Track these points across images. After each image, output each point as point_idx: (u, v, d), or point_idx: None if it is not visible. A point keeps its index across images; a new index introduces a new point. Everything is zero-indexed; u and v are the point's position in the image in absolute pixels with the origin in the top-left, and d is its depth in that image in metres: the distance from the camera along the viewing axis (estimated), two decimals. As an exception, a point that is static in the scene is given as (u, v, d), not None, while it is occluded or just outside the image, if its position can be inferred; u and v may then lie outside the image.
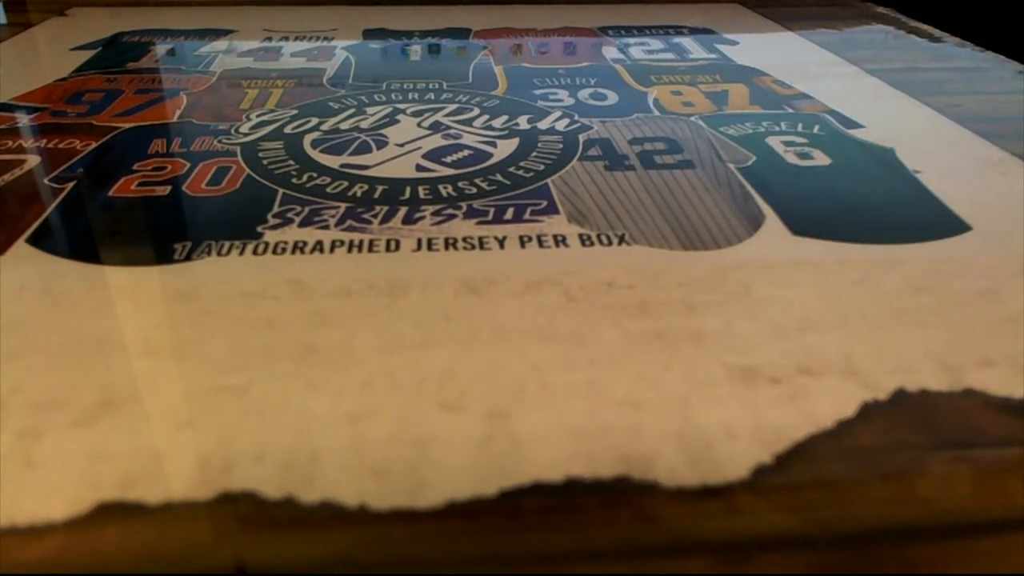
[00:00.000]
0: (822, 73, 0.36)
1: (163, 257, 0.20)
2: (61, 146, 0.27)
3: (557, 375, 0.16)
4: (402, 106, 0.31)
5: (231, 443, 0.14)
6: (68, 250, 0.20)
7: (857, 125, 0.29)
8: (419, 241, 0.21)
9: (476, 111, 0.30)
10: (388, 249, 0.20)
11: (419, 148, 0.27)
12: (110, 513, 0.13)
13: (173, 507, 0.13)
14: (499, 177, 0.25)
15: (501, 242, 0.21)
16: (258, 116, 0.30)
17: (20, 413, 0.15)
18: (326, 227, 0.21)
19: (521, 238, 0.21)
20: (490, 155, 0.26)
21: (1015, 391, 0.16)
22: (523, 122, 0.29)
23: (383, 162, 0.26)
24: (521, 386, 0.16)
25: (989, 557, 0.12)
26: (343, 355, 0.16)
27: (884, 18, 0.47)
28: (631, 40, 0.42)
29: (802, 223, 0.22)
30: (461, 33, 0.44)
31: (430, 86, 0.34)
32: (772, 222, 0.22)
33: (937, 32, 0.44)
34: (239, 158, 0.26)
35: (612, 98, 0.32)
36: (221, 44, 0.41)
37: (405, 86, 0.34)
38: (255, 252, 0.20)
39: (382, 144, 0.27)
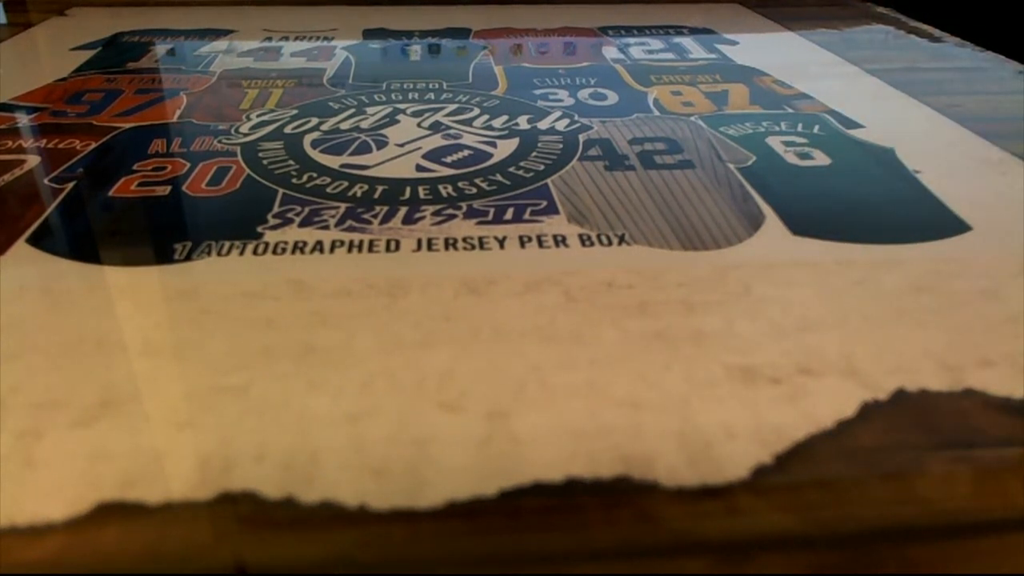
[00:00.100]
0: (822, 73, 0.36)
1: (163, 257, 0.20)
2: (61, 146, 0.27)
3: (557, 375, 0.16)
4: (402, 106, 0.31)
5: (231, 443, 0.14)
6: (68, 250, 0.20)
7: (857, 125, 0.29)
8: (419, 241, 0.21)
9: (476, 111, 0.30)
10: (388, 249, 0.20)
11: (419, 148, 0.27)
12: (110, 513, 0.13)
13: (173, 507, 0.13)
14: (499, 177, 0.25)
15: (501, 242, 0.21)
16: (258, 116, 0.30)
17: (20, 413, 0.15)
18: (326, 227, 0.21)
19: (521, 238, 0.21)
20: (490, 155, 0.26)
21: (1015, 391, 0.16)
22: (523, 122, 0.29)
23: (383, 162, 0.26)
24: (521, 386, 0.16)
25: (989, 557, 0.12)
26: (343, 355, 0.16)
27: (884, 18, 0.47)
28: (631, 40, 0.42)
29: (802, 223, 0.22)
30: (461, 33, 0.44)
31: (430, 86, 0.34)
32: (772, 222, 0.22)
33: (937, 32, 0.44)
34: (239, 158, 0.26)
35: (612, 98, 0.32)
36: (221, 44, 0.41)
37: (405, 86, 0.34)
38: (255, 252, 0.20)
39: (382, 144, 0.27)
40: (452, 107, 0.31)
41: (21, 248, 0.20)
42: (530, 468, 0.14)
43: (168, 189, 0.24)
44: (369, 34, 0.43)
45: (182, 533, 0.12)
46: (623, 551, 0.12)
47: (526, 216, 0.22)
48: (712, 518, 0.13)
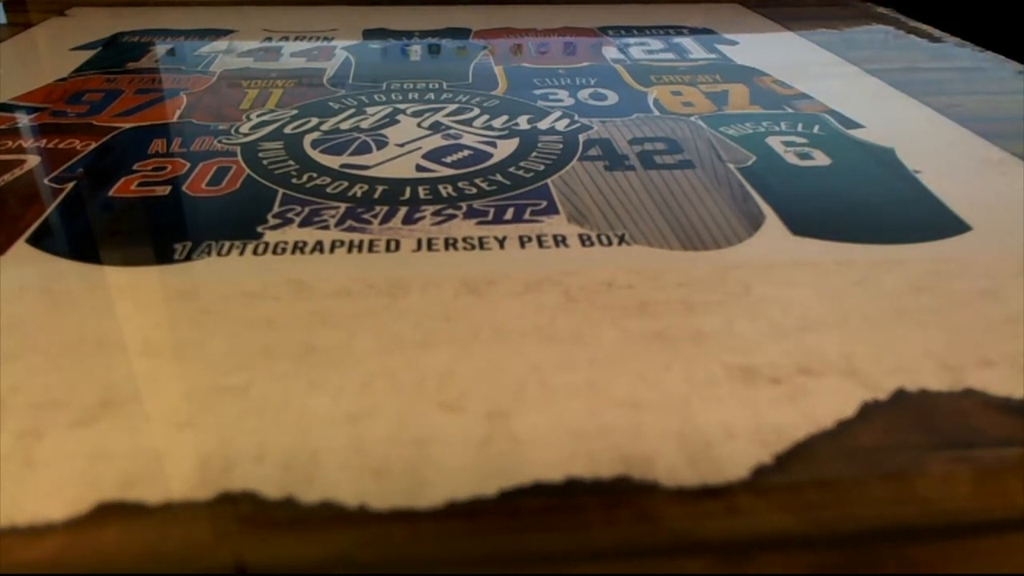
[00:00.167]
0: (822, 73, 0.36)
1: (163, 257, 0.20)
2: (61, 146, 0.27)
3: (557, 375, 0.16)
4: (402, 106, 0.31)
5: (231, 443, 0.14)
6: (68, 250, 0.20)
7: (857, 125, 0.29)
8: (419, 241, 0.21)
9: (476, 111, 0.30)
10: (388, 249, 0.20)
11: (419, 148, 0.27)
12: (110, 513, 0.13)
13: (173, 507, 0.13)
14: (499, 177, 0.25)
15: (501, 242, 0.21)
16: (258, 116, 0.30)
17: (20, 413, 0.15)
18: (326, 227, 0.21)
19: (521, 238, 0.21)
20: (490, 155, 0.26)
21: (1015, 391, 0.16)
22: (523, 122, 0.29)
23: (383, 162, 0.26)
24: (521, 386, 0.16)
25: (989, 557, 0.12)
26: (343, 355, 0.16)
27: (884, 18, 0.47)
28: (631, 40, 0.42)
29: (802, 223, 0.22)
30: (461, 33, 0.44)
31: (430, 86, 0.34)
32: (772, 222, 0.22)
33: (937, 32, 0.44)
34: (239, 158, 0.26)
35: (612, 98, 0.32)
36: (221, 44, 0.41)
37: (405, 86, 0.34)
38: (255, 252, 0.20)
39: (382, 144, 0.27)
40: (452, 107, 0.31)
41: (21, 248, 0.20)
42: (530, 468, 0.14)
43: (168, 189, 0.24)
44: (369, 34, 0.43)
45: (182, 533, 0.12)
46: (623, 551, 0.12)
47: (526, 216, 0.22)
48: (712, 518, 0.13)
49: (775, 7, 0.49)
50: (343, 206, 0.23)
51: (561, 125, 0.29)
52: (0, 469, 0.13)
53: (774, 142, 0.28)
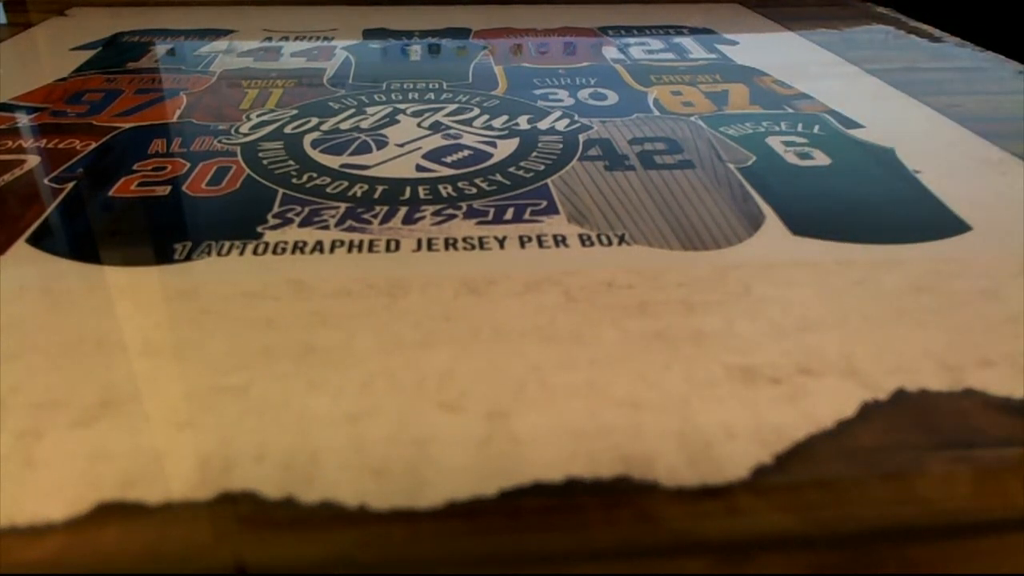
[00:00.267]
0: (822, 73, 0.36)
1: (163, 257, 0.20)
2: (61, 146, 0.27)
3: (557, 375, 0.16)
4: (402, 106, 0.31)
5: (231, 443, 0.14)
6: (68, 250, 0.20)
7: (857, 125, 0.29)
8: (419, 241, 0.21)
9: (476, 111, 0.30)
10: (388, 249, 0.20)
11: (419, 148, 0.27)
12: (110, 513, 0.13)
13: (173, 507, 0.13)
14: (499, 177, 0.25)
15: (501, 242, 0.21)
16: (258, 116, 0.30)
17: (20, 413, 0.15)
18: (326, 227, 0.21)
19: (521, 238, 0.21)
20: (490, 155, 0.26)
21: (1015, 391, 0.16)
22: (523, 122, 0.29)
23: (383, 162, 0.26)
24: (521, 386, 0.16)
25: (989, 557, 0.12)
26: (343, 355, 0.16)
27: (884, 18, 0.47)
28: (631, 40, 0.42)
29: (802, 223, 0.22)
30: (461, 33, 0.44)
31: (430, 86, 0.34)
32: (772, 222, 0.22)
33: (937, 32, 0.44)
34: (239, 158, 0.26)
35: (612, 98, 0.32)
36: (221, 44, 0.41)
37: (405, 86, 0.34)
38: (255, 252, 0.20)
39: (382, 144, 0.27)
40: (452, 107, 0.31)
41: (21, 248, 0.20)
42: (530, 468, 0.14)
43: (168, 189, 0.24)
44: (369, 34, 0.43)
45: (182, 533, 0.12)
46: (623, 551, 0.12)
47: (526, 216, 0.22)
48: (712, 518, 0.13)
49: (775, 7, 0.49)
50: (343, 206, 0.23)
51: (561, 125, 0.29)
52: (0, 469, 0.13)
53: (774, 142, 0.28)
